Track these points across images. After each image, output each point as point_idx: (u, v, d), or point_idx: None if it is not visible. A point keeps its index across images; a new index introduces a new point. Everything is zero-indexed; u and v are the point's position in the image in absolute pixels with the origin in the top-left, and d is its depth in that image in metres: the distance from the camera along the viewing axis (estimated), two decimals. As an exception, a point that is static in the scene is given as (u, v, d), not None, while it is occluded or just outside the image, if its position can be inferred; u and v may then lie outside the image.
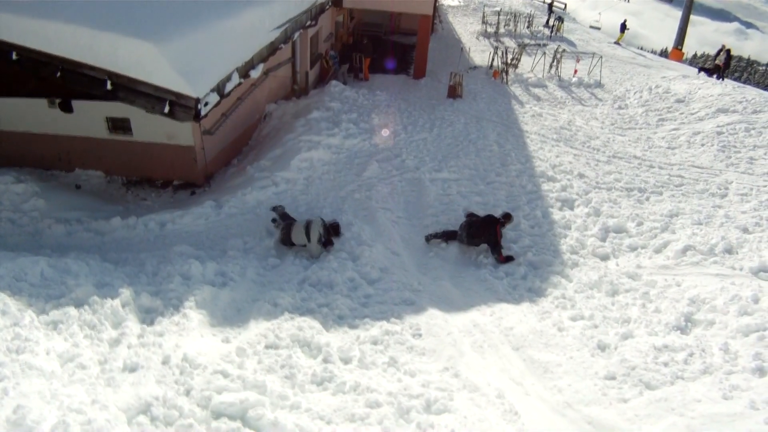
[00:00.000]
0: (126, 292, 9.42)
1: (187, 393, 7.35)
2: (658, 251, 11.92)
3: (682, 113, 20.31)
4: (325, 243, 11.58)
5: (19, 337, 7.87)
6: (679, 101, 21.33)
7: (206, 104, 13.52)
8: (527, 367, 8.70)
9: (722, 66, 26.97)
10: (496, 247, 11.98)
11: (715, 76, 26.61)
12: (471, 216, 12.89)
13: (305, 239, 11.42)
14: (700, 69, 28.26)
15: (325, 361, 8.32)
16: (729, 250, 11.38)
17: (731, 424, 7.22)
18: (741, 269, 10.75)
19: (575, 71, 25.87)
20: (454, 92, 21.57)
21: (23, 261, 9.86)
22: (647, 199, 14.04)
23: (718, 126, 18.54)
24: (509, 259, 11.96)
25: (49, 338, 8.19)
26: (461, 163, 15.44)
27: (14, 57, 13.32)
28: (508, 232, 12.64)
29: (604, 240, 12.48)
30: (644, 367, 8.50)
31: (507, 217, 12.47)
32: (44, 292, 9.31)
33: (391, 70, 24.97)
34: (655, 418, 7.58)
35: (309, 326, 9.09)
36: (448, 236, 12.56)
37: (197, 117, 13.26)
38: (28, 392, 6.85)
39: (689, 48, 42.20)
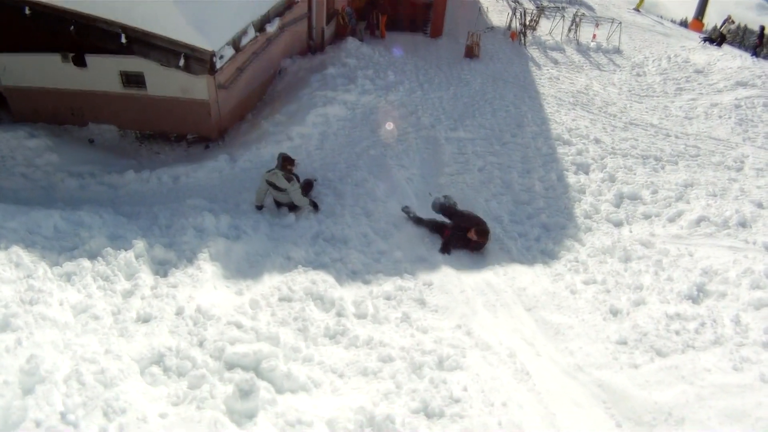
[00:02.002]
0: (139, 244, 9.45)
1: (201, 344, 7.39)
2: (672, 220, 11.82)
3: (700, 84, 20.09)
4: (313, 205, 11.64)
5: (32, 288, 7.90)
6: (697, 72, 21.09)
7: (221, 58, 13.47)
8: (539, 328, 8.70)
9: (725, 36, 26.71)
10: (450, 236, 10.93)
11: (715, 44, 26.29)
12: (450, 210, 11.62)
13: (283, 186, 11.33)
14: (705, 39, 27.88)
15: (339, 315, 8.36)
16: (743, 224, 11.28)
17: (741, 395, 7.20)
18: (754, 243, 10.66)
19: (594, 36, 25.59)
20: (471, 52, 21.39)
21: (36, 214, 9.89)
22: (663, 167, 13.90)
23: (736, 99, 18.32)
24: (445, 247, 10.82)
25: (63, 290, 8.22)
26: (477, 122, 15.32)
27: (27, 12, 13.24)
28: (520, 193, 12.62)
29: (618, 206, 12.39)
30: (656, 333, 8.47)
31: (480, 234, 10.88)
32: (57, 244, 9.36)
33: (408, 29, 24.71)
34: (665, 385, 7.57)
35: (322, 280, 9.12)
36: (434, 228, 11.36)
37: (212, 70, 13.21)
38: (41, 342, 6.88)
39: (710, 19, 41.49)
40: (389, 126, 13.08)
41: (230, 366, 7.01)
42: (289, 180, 11.21)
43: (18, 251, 8.63)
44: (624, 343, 8.31)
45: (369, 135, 14.62)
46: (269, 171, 11.35)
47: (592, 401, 7.34)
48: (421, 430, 6.05)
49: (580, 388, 7.53)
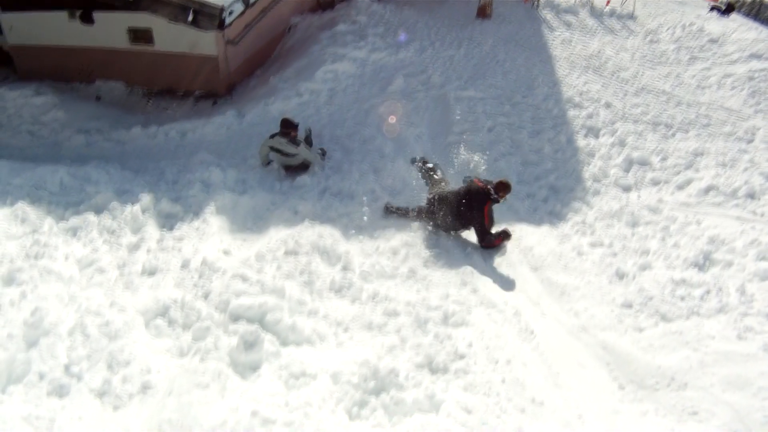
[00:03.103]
0: (146, 198, 9.56)
1: (206, 296, 7.43)
2: (680, 188, 11.75)
3: (714, 53, 19.79)
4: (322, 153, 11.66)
5: (38, 243, 7.98)
6: (712, 41, 20.79)
7: (231, 13, 13.38)
8: (545, 288, 8.71)
9: (733, 6, 26.29)
10: (483, 234, 9.62)
11: (723, 13, 25.89)
12: (430, 171, 10.82)
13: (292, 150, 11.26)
14: (712, 8, 27.44)
15: (344, 269, 8.38)
16: (751, 195, 11.19)
17: (744, 364, 7.23)
18: (762, 215, 10.60)
19: (608, 1, 25.30)
20: (483, 12, 21.12)
21: (43, 170, 9.99)
22: (673, 135, 13.77)
23: (750, 71, 18.05)
24: (504, 236, 9.70)
25: (68, 244, 8.30)
26: (488, 83, 15.16)
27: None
28: (529, 154, 12.56)
29: (627, 171, 12.31)
30: (661, 298, 8.48)
31: (503, 188, 9.71)
32: (64, 199, 9.48)
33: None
34: (669, 349, 7.59)
35: (329, 234, 9.13)
36: (415, 214, 10.22)
37: (221, 26, 13.11)
38: (46, 296, 6.95)
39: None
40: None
41: (235, 318, 7.04)
42: (297, 144, 11.17)
43: (24, 207, 8.70)
44: (629, 306, 8.32)
45: (378, 92, 14.50)
46: (272, 137, 11.26)
47: (595, 362, 7.37)
48: (425, 385, 6.06)
49: (585, 348, 7.56)
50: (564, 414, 6.22)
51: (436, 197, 9.84)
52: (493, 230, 9.63)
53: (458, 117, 13.60)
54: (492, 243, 9.59)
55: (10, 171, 9.92)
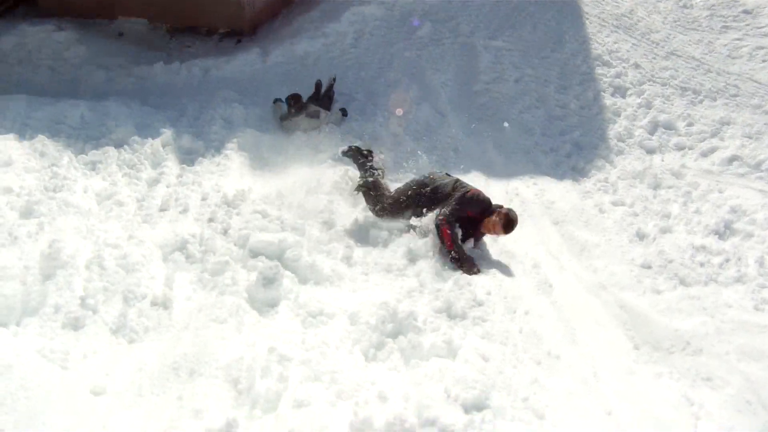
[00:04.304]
0: (167, 133, 9.48)
1: (225, 232, 7.39)
2: (704, 155, 11.66)
3: (747, 24, 19.44)
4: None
5: (56, 176, 7.94)
6: (746, 12, 20.39)
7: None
8: (565, 243, 8.69)
9: None
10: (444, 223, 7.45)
11: None
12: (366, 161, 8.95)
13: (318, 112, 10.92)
14: None
15: (366, 210, 8.31)
16: (776, 170, 11.14)
17: (760, 335, 7.28)
18: (786, 190, 10.56)
19: (642, -40, 24.88)
20: (515, -36, 20.82)
21: (63, 105, 9.91)
22: (700, 102, 13.58)
23: (783, 44, 17.85)
24: (464, 261, 7.36)
25: (87, 177, 8.28)
26: (516, 34, 14.92)
27: None
28: (555, 108, 12.45)
29: (652, 133, 12.20)
30: (680, 262, 8.49)
31: (504, 226, 7.57)
32: (84, 133, 9.38)
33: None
34: (686, 314, 7.60)
35: (351, 175, 9.05)
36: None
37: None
38: (64, 228, 6.89)
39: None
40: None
41: (254, 254, 6.97)
42: (315, 115, 10.84)
43: (43, 140, 8.65)
44: (649, 267, 8.32)
45: (405, 37, 14.28)
46: (285, 120, 10.89)
47: (612, 321, 7.36)
48: (443, 330, 6.01)
49: (602, 306, 7.55)
50: (579, 370, 6.18)
51: (425, 183, 8.18)
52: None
53: (485, 66, 13.41)
54: (442, 234, 7.45)
55: (29, 105, 9.83)
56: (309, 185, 8.68)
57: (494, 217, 7.57)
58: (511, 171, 10.47)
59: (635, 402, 6.01)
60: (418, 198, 8.03)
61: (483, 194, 7.85)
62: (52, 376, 5.07)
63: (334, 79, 11.96)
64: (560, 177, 10.55)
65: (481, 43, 14.27)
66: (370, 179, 8.46)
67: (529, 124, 11.84)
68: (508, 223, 7.52)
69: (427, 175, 8.32)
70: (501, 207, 7.73)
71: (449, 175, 8.30)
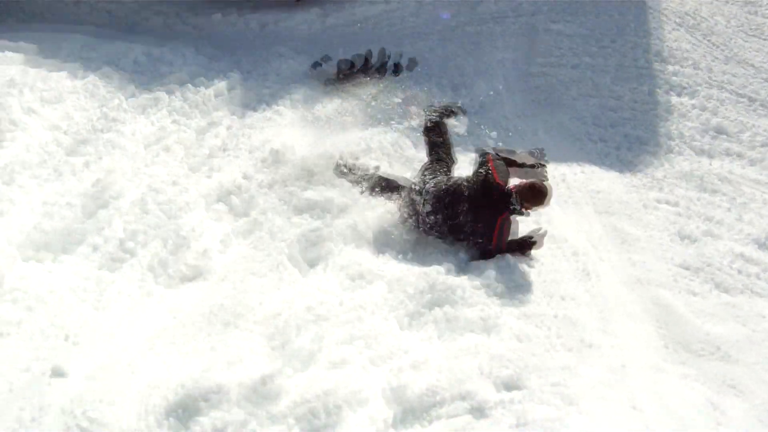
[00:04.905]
0: (220, 84, 9.52)
1: (270, 186, 7.47)
2: (753, 164, 11.47)
3: (814, 38, 19.22)
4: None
5: (105, 117, 8.04)
6: (812, 25, 20.16)
7: None
8: (606, 234, 8.65)
9: None
10: (486, 251, 7.11)
11: None
12: (436, 149, 8.25)
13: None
14: None
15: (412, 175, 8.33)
16: (827, 189, 11.00)
17: (792, 352, 7.20)
18: (834, 212, 10.43)
19: (711, -41, 24.45)
20: (584, -53, 20.55)
21: (117, 47, 10.01)
22: (755, 110, 13.36)
23: None
24: (526, 247, 7.30)
25: (136, 120, 8.37)
26: (578, 20, 14.76)
27: None
28: (609, 99, 12.31)
29: (702, 136, 12.02)
30: (719, 267, 8.42)
31: (531, 196, 7.07)
32: (136, 77, 9.46)
33: None
34: (718, 319, 7.55)
35: (401, 142, 9.07)
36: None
37: None
38: (109, 168, 6.98)
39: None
40: (489, 3, 12.66)
41: (298, 212, 7.05)
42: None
43: (95, 80, 8.71)
44: (686, 268, 8.26)
45: (467, 11, 14.19)
46: (329, 85, 10.59)
47: (644, 316, 7.34)
48: (480, 306, 6.08)
49: (636, 301, 7.53)
50: (610, 361, 6.23)
51: (426, 189, 7.42)
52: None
53: (543, 49, 13.37)
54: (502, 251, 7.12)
55: (83, 45, 9.94)
56: (359, 147, 8.70)
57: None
58: (559, 156, 10.37)
59: (660, 399, 6.03)
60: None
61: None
62: (83, 315, 5.18)
63: (390, 56, 11.42)
64: (607, 168, 10.50)
65: (542, 25, 14.16)
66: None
67: (582, 112, 11.79)
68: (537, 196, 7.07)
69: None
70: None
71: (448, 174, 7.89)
